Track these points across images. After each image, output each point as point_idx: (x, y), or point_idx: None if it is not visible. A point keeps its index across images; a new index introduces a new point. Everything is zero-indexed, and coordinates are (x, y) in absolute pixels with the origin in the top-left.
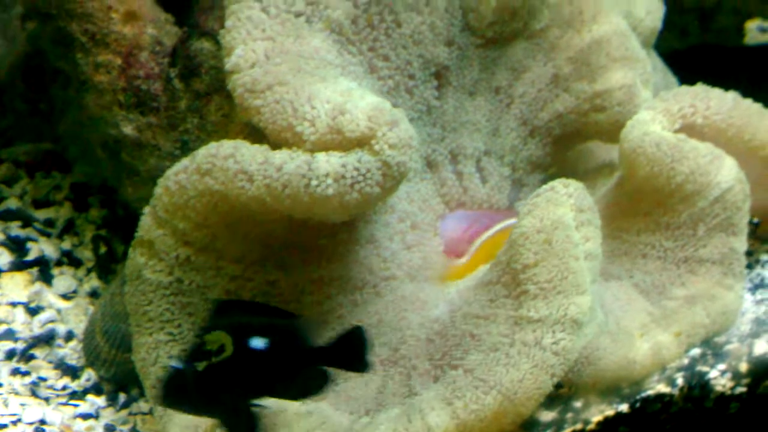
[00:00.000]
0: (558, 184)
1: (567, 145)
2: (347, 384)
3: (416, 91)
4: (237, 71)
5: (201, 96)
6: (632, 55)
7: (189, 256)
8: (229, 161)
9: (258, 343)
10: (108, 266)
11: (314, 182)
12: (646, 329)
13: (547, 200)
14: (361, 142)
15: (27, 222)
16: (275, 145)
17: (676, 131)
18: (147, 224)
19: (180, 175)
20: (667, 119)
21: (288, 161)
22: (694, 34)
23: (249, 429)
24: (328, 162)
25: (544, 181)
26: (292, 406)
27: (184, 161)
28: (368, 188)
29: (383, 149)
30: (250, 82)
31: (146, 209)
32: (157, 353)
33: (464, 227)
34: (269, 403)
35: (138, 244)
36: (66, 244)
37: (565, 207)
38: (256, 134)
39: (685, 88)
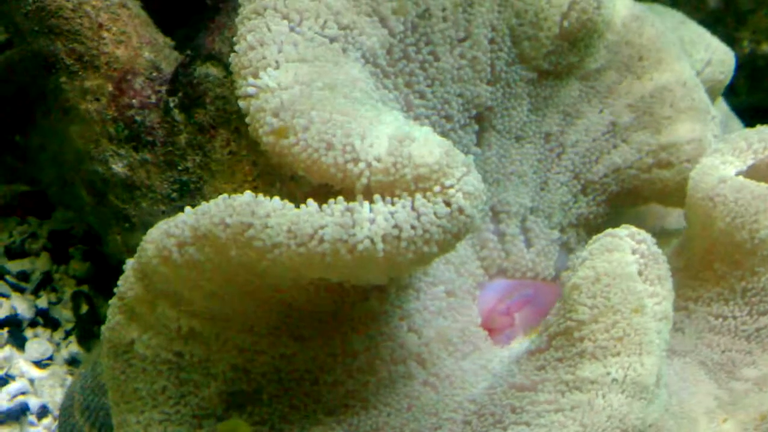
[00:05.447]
0: (619, 229)
1: (623, 205)
2: None
3: (453, 135)
4: (266, 92)
5: (205, 130)
6: (700, 107)
7: (193, 327)
8: (249, 231)
9: None
10: (90, 329)
11: (360, 247)
12: (712, 416)
13: (604, 247)
14: (427, 181)
15: None
16: (305, 184)
17: (745, 173)
18: (138, 294)
19: (187, 248)
20: (738, 159)
21: (325, 224)
22: (743, 93)
23: None
24: (374, 221)
25: None
26: None
27: (184, 226)
28: (426, 247)
29: (456, 197)
30: (287, 102)
31: (133, 275)
32: None
33: (497, 297)
34: None
35: (126, 314)
36: (42, 302)
37: (626, 253)
38: (267, 176)
39: (747, 129)
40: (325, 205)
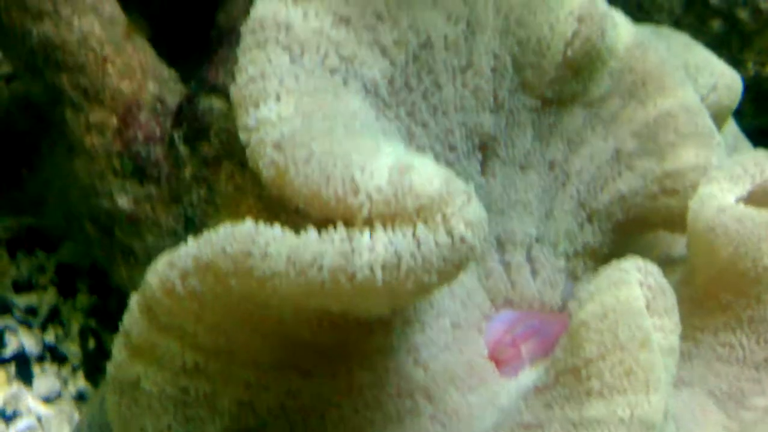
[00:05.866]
0: (626, 261)
1: (629, 234)
2: None
3: (457, 165)
4: (267, 124)
5: (209, 163)
6: (704, 132)
7: (198, 362)
8: (249, 260)
9: None
10: (97, 364)
11: (359, 275)
12: None
13: (611, 280)
14: (428, 211)
15: (5, 309)
16: (309, 217)
17: (744, 199)
18: (143, 329)
19: (190, 279)
20: (736, 186)
21: (324, 251)
22: (749, 115)
23: None
24: (373, 249)
25: None
26: None
27: (186, 256)
28: (426, 277)
29: (457, 226)
30: (288, 135)
31: (137, 309)
32: None
33: (504, 329)
34: None
35: (131, 349)
36: (49, 337)
37: (633, 286)
38: (271, 209)
39: (742, 155)
40: (324, 233)
